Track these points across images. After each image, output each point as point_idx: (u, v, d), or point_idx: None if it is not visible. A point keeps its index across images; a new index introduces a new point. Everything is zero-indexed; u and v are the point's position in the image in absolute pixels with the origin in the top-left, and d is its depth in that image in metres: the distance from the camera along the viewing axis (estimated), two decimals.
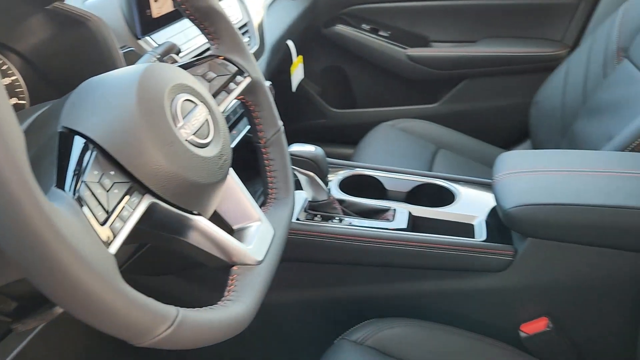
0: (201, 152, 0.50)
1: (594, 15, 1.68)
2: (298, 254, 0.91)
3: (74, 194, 0.41)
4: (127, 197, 0.44)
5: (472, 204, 1.02)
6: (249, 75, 0.67)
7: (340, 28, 1.87)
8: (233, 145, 0.94)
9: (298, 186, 0.91)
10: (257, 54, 1.14)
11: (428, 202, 1.04)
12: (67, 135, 0.45)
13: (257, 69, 0.69)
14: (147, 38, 0.80)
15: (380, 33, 1.86)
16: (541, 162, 0.95)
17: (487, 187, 1.06)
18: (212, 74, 0.62)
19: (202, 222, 0.52)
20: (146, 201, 0.46)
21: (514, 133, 1.78)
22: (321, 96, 1.97)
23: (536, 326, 0.89)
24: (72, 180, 0.42)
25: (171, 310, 0.42)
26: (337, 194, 1.03)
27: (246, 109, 0.69)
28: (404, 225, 0.95)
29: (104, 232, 0.41)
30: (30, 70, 0.69)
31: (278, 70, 1.45)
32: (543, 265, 0.88)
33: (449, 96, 1.88)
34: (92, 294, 0.36)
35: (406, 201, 1.07)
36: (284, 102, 1.19)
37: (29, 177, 0.33)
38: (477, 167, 1.46)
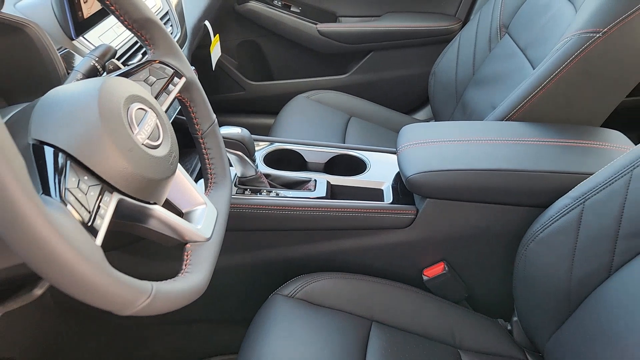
0: (155, 152, 0.59)
1: None
2: (232, 225, 0.97)
3: (60, 199, 0.49)
4: (100, 197, 0.53)
5: (380, 172, 1.13)
6: (184, 76, 0.74)
7: (253, 5, 1.89)
8: None
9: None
10: (181, 41, 1.19)
11: (343, 171, 1.14)
12: (39, 147, 0.52)
13: (190, 68, 0.77)
14: (81, 38, 0.84)
15: (292, 9, 1.89)
16: (436, 134, 1.06)
17: (393, 154, 1.16)
18: (152, 78, 0.70)
19: (158, 210, 0.61)
20: (115, 198, 0.54)
21: (416, 100, 1.89)
22: (239, 70, 1.99)
23: (435, 270, 1.03)
24: (56, 188, 0.49)
25: (147, 285, 0.51)
26: (263, 168, 1.11)
27: (183, 106, 0.77)
28: (324, 194, 1.04)
29: (90, 229, 0.50)
30: None
31: (197, 47, 1.48)
32: (440, 221, 1.00)
33: (357, 68, 1.94)
34: (89, 279, 0.45)
35: (324, 171, 1.16)
36: (205, 77, 1.24)
37: (33, 191, 0.41)
38: (384, 132, 1.55)
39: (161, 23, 0.73)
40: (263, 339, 0.88)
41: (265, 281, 1.04)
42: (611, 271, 0.82)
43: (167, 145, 0.62)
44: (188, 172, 0.81)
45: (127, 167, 0.55)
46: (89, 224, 0.50)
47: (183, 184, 0.69)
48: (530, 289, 0.92)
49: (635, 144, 0.93)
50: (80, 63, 0.73)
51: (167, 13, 1.17)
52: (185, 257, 0.64)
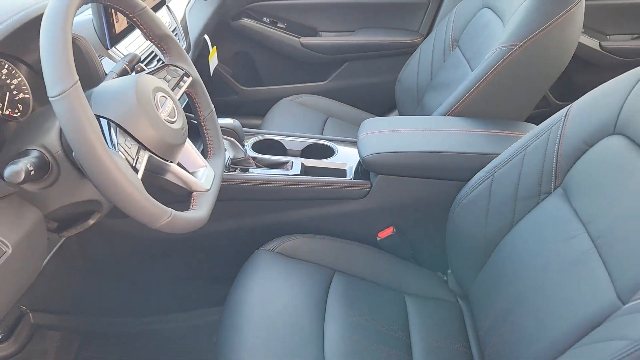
0: (172, 125, 0.85)
1: (439, 12, 1.99)
2: (225, 196, 1.13)
3: (115, 149, 0.75)
4: (138, 152, 0.78)
5: (345, 156, 1.32)
6: (191, 76, 1.00)
7: (245, 21, 2.06)
8: None
9: None
10: (186, 51, 1.43)
11: (316, 156, 1.33)
12: (98, 119, 0.77)
13: (195, 70, 1.02)
14: (114, 48, 1.08)
15: (279, 25, 2.07)
16: (389, 126, 1.28)
17: (355, 144, 1.36)
18: (169, 77, 0.95)
19: (174, 167, 0.86)
20: (146, 155, 0.79)
21: (385, 104, 2.07)
22: (233, 77, 2.16)
23: (386, 232, 1.23)
24: (112, 143, 0.76)
25: (169, 209, 0.76)
26: (251, 153, 1.32)
27: (190, 98, 1.01)
28: (299, 172, 1.24)
29: (134, 169, 0.75)
30: (34, 75, 0.88)
31: (198, 57, 1.68)
32: (389, 193, 1.19)
33: (335, 75, 2.12)
34: (134, 197, 0.70)
35: (301, 156, 1.34)
36: (204, 82, 1.44)
37: (104, 142, 0.67)
38: (356, 130, 1.66)
39: (174, 37, 0.99)
40: (248, 284, 1.06)
41: (252, 241, 1.19)
42: (512, 226, 1.03)
43: (180, 121, 0.88)
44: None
45: (154, 134, 0.80)
46: (133, 165, 0.75)
47: (190, 151, 0.94)
48: (458, 244, 1.12)
49: None
50: (116, 66, 0.95)
51: (175, 28, 1.41)
52: (192, 201, 0.89)
